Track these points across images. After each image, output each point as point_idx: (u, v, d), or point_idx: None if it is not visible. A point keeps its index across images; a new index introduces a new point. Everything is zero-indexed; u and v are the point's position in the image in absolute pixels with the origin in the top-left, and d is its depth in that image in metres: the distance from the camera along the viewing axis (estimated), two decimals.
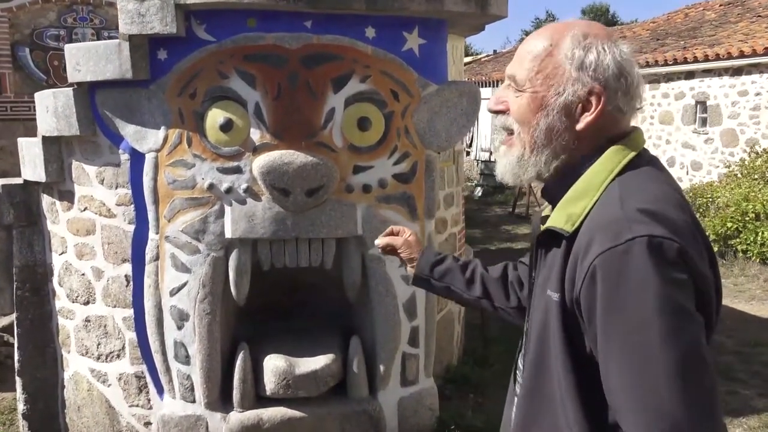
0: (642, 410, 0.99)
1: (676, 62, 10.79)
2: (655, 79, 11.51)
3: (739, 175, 8.79)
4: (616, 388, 1.03)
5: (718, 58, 10.05)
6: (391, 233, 1.80)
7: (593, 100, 1.16)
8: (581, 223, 1.12)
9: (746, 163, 9.00)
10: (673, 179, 1.24)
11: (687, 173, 10.93)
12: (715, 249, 7.93)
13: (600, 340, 1.05)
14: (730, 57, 9.86)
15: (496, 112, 1.30)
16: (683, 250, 1.01)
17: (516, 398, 1.33)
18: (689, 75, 10.85)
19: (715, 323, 1.13)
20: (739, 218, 7.73)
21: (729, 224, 7.73)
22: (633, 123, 1.27)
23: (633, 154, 1.18)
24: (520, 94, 1.23)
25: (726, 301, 6.54)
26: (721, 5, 13.68)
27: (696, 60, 10.41)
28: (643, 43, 13.30)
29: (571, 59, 1.17)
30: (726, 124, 10.23)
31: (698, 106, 10.78)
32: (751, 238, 7.60)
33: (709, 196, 8.48)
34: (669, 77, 11.25)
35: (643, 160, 1.19)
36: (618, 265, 1.01)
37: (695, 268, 1.03)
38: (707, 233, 7.28)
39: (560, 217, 1.16)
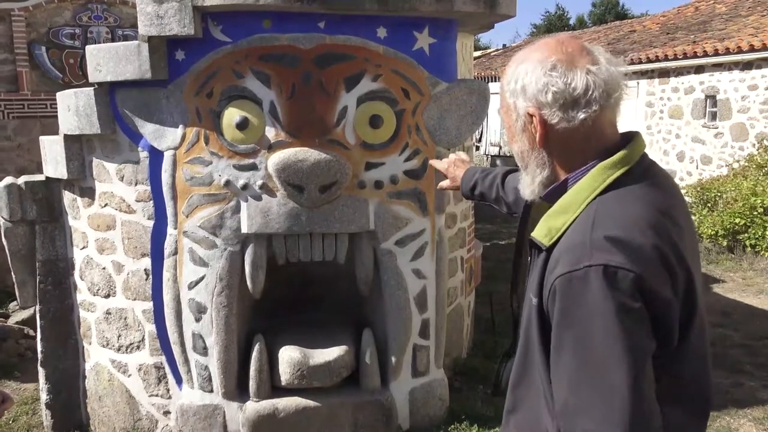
0: (569, 416, 1.13)
1: (686, 56, 10.78)
2: (664, 74, 11.50)
3: (753, 168, 8.76)
4: (557, 393, 1.17)
5: (728, 52, 10.03)
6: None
7: (533, 119, 1.27)
8: (559, 237, 1.22)
9: (755, 158, 8.99)
10: (667, 193, 1.26)
11: (697, 167, 10.93)
12: (724, 244, 7.97)
13: (552, 349, 1.18)
14: (740, 51, 9.84)
15: None
16: (639, 280, 1.09)
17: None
18: (699, 69, 10.83)
19: (694, 334, 1.20)
20: (748, 212, 7.75)
21: (737, 219, 7.75)
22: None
23: (619, 172, 1.22)
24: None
25: (734, 295, 6.59)
26: None
27: (706, 54, 10.40)
28: (653, 37, 13.27)
29: (510, 92, 1.31)
30: (736, 118, 10.21)
31: (708, 100, 10.77)
32: (760, 233, 7.62)
33: (717, 190, 8.49)
34: (679, 71, 11.24)
35: (632, 178, 1.23)
36: (574, 288, 1.12)
37: (652, 295, 1.11)
38: (715, 229, 7.28)
39: (542, 229, 1.26)
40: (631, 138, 1.30)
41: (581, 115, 1.22)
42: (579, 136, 1.25)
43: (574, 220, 1.21)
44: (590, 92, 1.21)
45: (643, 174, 1.25)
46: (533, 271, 1.30)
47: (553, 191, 1.29)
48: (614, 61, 1.27)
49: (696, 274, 1.21)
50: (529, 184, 1.34)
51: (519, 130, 1.32)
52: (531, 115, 1.27)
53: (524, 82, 1.26)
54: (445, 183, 2.21)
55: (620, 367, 1.07)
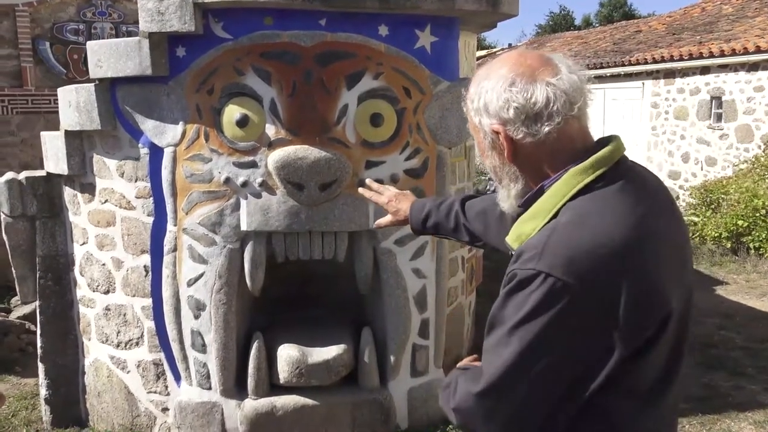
0: (477, 381, 1.24)
1: (691, 57, 10.72)
2: (670, 74, 11.45)
3: (758, 169, 8.71)
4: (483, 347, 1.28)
5: (734, 53, 9.97)
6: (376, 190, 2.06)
7: (499, 135, 1.27)
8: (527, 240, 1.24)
9: (761, 160, 8.95)
10: (644, 199, 1.23)
11: (701, 169, 10.88)
12: (728, 246, 7.93)
13: (489, 316, 1.25)
14: (746, 52, 9.78)
15: None
16: (573, 293, 1.12)
17: None
18: (705, 70, 10.77)
19: (662, 344, 1.20)
20: (750, 214, 7.71)
21: (740, 222, 7.71)
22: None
23: (590, 178, 1.22)
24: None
25: (737, 297, 6.56)
26: None
27: (712, 55, 10.34)
28: (659, 37, 13.21)
29: (473, 110, 1.31)
30: (741, 119, 10.16)
31: (713, 101, 10.71)
32: (763, 236, 7.58)
33: (720, 191, 8.45)
34: (684, 72, 11.18)
35: (605, 182, 1.22)
36: (518, 282, 1.18)
37: (585, 311, 1.13)
38: (719, 231, 7.23)
39: (514, 234, 1.28)
40: (608, 142, 1.28)
41: (545, 129, 1.22)
42: (546, 148, 1.25)
43: (544, 225, 1.22)
44: (551, 105, 1.21)
45: (618, 179, 1.23)
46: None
47: (530, 198, 1.30)
48: (576, 69, 1.25)
49: (671, 285, 1.20)
50: (506, 198, 1.36)
51: (488, 146, 1.32)
52: (496, 132, 1.27)
53: (486, 99, 1.26)
54: (385, 219, 2.02)
55: (513, 352, 1.16)
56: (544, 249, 1.16)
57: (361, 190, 2.10)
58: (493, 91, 1.25)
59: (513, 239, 1.28)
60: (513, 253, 1.26)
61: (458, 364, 1.52)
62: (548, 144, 1.24)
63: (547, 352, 1.16)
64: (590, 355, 1.16)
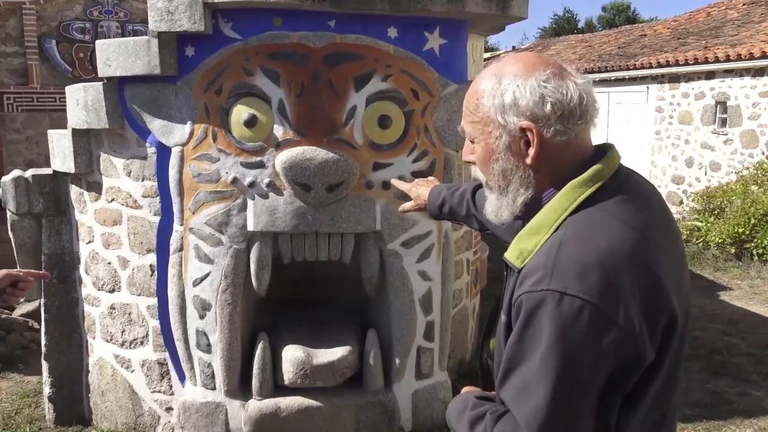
0: (511, 422, 1.16)
1: (696, 62, 10.70)
2: (675, 79, 11.44)
3: (761, 175, 8.71)
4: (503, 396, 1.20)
5: (739, 58, 9.96)
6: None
7: (528, 134, 1.21)
8: (531, 259, 1.20)
9: (764, 166, 8.93)
10: (642, 208, 1.22)
11: (705, 174, 10.86)
12: (732, 251, 7.92)
13: (504, 359, 1.19)
14: (751, 57, 9.77)
15: (469, 162, 1.38)
16: (594, 310, 1.08)
17: None
18: (710, 75, 10.76)
19: (671, 353, 1.19)
20: (754, 221, 7.70)
21: (741, 229, 7.70)
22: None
23: (591, 190, 1.20)
24: (475, 145, 1.32)
25: (741, 303, 6.55)
26: (744, 4, 13.51)
27: (717, 60, 10.32)
28: (664, 41, 13.20)
29: (494, 107, 1.23)
30: (746, 125, 10.14)
31: (718, 106, 10.70)
32: (767, 242, 7.57)
33: (722, 197, 8.44)
34: (689, 77, 11.17)
35: (605, 194, 1.20)
36: (531, 308, 1.12)
37: (609, 327, 1.09)
38: (722, 237, 7.22)
39: (514, 251, 1.23)
40: (605, 151, 1.26)
41: (576, 127, 1.20)
42: (568, 149, 1.22)
43: (546, 240, 1.19)
44: (584, 103, 1.20)
45: (617, 189, 1.21)
46: (506, 290, 1.28)
47: (527, 210, 1.26)
48: (584, 75, 1.25)
49: (674, 292, 1.18)
50: (509, 205, 1.29)
51: (503, 148, 1.25)
52: (524, 130, 1.21)
53: (515, 95, 1.21)
54: (408, 204, 2.10)
55: (546, 388, 1.09)
56: (554, 267, 1.11)
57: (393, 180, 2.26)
58: (524, 86, 1.20)
59: (514, 256, 1.23)
60: (514, 270, 1.22)
61: (467, 391, 1.44)
62: (570, 146, 1.22)
63: (582, 379, 1.10)
64: (626, 371, 1.12)
